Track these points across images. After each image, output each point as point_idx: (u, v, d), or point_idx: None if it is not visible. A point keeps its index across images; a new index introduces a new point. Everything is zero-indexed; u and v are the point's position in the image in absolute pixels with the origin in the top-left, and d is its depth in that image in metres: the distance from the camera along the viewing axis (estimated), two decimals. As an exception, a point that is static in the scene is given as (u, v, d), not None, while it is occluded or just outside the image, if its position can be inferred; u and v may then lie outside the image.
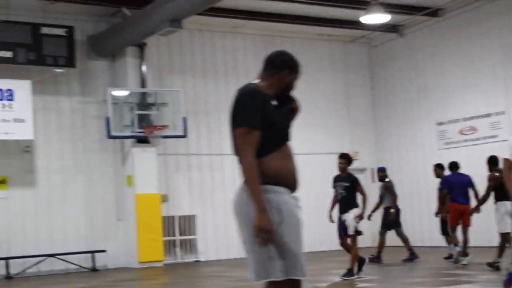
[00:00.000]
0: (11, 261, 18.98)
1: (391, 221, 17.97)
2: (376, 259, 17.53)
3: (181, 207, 21.48)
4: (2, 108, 18.55)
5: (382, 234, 17.93)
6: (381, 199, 18.23)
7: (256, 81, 5.54)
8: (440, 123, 22.31)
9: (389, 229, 18.04)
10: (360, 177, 23.36)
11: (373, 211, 18.05)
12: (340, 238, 14.26)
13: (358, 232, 13.93)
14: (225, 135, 21.11)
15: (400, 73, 23.72)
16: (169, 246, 21.12)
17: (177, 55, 21.78)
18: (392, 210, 17.90)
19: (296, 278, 5.20)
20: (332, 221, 14.42)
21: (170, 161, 21.41)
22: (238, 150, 5.29)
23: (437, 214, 17.25)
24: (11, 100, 18.72)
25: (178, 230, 21.35)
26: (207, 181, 21.79)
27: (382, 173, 18.57)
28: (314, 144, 22.89)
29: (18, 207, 19.52)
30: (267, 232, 5.09)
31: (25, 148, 19.56)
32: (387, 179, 18.13)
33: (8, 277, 18.71)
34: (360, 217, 14.04)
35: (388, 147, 24.20)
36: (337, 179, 14.48)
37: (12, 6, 18.89)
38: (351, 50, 24.55)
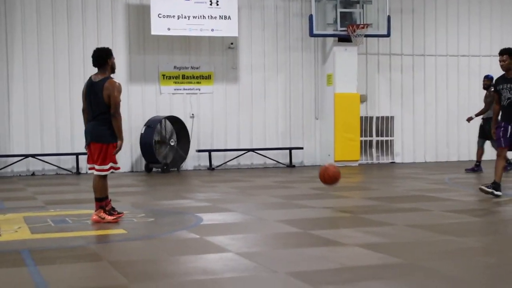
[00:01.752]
0: (213, 153, 20.30)
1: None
2: (477, 168, 17.72)
3: (380, 108, 22.00)
4: (209, 5, 19.78)
5: (481, 144, 17.82)
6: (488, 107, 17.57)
7: None
8: None
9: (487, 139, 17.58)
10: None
11: (477, 115, 17.87)
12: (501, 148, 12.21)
13: None
14: (428, 35, 21.77)
15: None
16: (366, 147, 21.81)
17: None
18: None
19: None
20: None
21: (372, 61, 21.86)
22: None
23: None
24: None
25: (376, 131, 21.94)
26: (408, 83, 22.14)
27: (488, 81, 17.70)
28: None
29: (221, 102, 20.67)
30: None
31: (230, 45, 20.54)
32: (492, 89, 17.74)
33: (210, 168, 20.00)
34: None
35: None
36: (500, 81, 12.41)
37: None
38: None
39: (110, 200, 9.61)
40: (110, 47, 16.76)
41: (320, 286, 5.59)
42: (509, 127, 11.61)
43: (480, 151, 17.84)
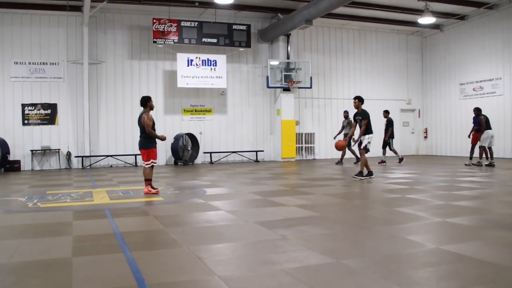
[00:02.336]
0: (213, 154, 20.27)
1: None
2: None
3: (306, 128, 21.87)
4: (210, 70, 19.74)
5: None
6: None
7: None
8: (462, 83, 22.28)
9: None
10: (410, 114, 24.29)
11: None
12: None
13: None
14: (332, 86, 21.72)
15: (438, 54, 23.31)
16: (299, 149, 21.65)
17: (308, 40, 21.96)
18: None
19: None
20: None
21: (301, 101, 21.81)
22: None
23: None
24: (215, 65, 19.77)
25: (304, 140, 21.81)
26: (322, 113, 22.03)
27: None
28: (383, 93, 23.21)
29: (217, 125, 20.51)
30: None
31: (222, 92, 20.50)
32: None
33: (211, 162, 19.99)
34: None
35: (429, 97, 24.48)
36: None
37: (218, 14, 19.72)
38: (411, 39, 24.09)
39: (151, 181, 9.61)
40: (154, 94, 16.72)
41: (273, 229, 5.63)
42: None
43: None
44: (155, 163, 9.65)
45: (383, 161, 17.23)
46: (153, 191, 9.48)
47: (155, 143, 9.67)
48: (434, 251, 4.62)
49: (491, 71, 20.63)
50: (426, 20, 19.45)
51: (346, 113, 18.07)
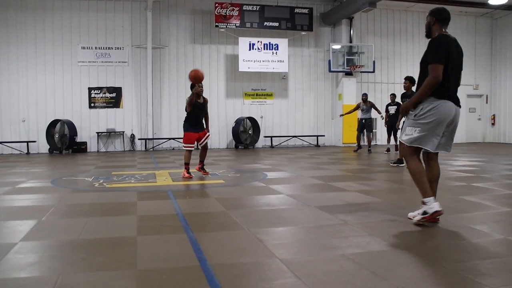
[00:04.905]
0: (273, 138, 20.56)
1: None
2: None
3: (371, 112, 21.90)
4: (271, 55, 19.90)
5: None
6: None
7: None
8: None
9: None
10: (477, 100, 23.44)
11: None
12: None
13: None
14: (396, 70, 21.36)
15: (510, 36, 22.62)
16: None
17: (371, 24, 21.79)
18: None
19: None
20: None
21: (364, 86, 21.70)
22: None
23: None
24: (277, 49, 20.02)
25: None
26: (384, 99, 21.05)
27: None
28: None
29: (278, 109, 20.78)
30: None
31: (283, 77, 20.80)
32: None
33: (271, 146, 20.31)
34: None
35: (498, 82, 23.69)
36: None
37: None
38: (479, 21, 23.40)
39: (188, 164, 9.41)
40: (216, 78, 16.68)
41: (334, 214, 5.58)
42: None
43: None
44: (191, 147, 9.42)
45: (388, 149, 16.16)
46: (187, 175, 9.24)
47: (192, 128, 9.36)
48: (502, 241, 4.46)
49: None
50: (498, 0, 18.62)
51: (365, 96, 16.43)
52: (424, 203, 4.94)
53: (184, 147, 9.44)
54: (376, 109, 16.22)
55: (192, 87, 9.25)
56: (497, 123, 23.35)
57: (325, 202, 6.47)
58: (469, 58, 23.22)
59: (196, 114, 9.35)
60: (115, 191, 7.70)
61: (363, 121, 16.35)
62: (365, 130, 16.55)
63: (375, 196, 6.97)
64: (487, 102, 23.65)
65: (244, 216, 5.55)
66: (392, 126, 15.55)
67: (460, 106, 4.92)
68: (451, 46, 4.82)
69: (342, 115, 17.75)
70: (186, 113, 9.40)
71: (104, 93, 18.95)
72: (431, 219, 4.91)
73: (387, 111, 16.03)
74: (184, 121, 9.44)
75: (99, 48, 18.86)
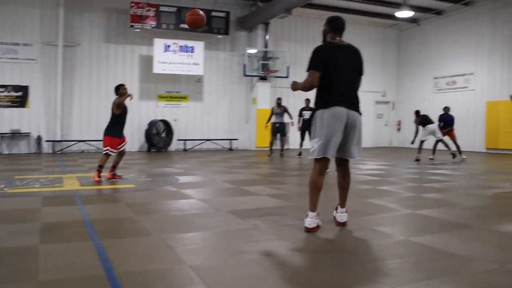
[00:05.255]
0: (187, 141, 20.22)
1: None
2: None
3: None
4: (187, 57, 19.70)
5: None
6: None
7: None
8: (435, 77, 22.71)
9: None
10: (384, 106, 24.51)
11: None
12: None
13: None
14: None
15: (414, 47, 23.70)
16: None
17: (286, 30, 22.07)
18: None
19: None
20: None
21: (278, 91, 21.64)
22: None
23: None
24: (192, 52, 19.76)
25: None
26: (298, 104, 21.76)
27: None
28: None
29: (192, 112, 20.50)
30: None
31: (198, 80, 20.53)
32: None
33: (185, 150, 19.99)
34: None
35: (404, 89, 24.82)
36: None
37: (198, 0, 20.04)
38: (387, 32, 24.43)
39: (102, 167, 9.22)
40: (130, 79, 16.28)
41: (245, 218, 5.60)
42: None
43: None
44: (114, 152, 9.31)
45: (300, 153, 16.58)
46: (97, 179, 9.06)
47: (118, 133, 9.32)
48: (404, 242, 4.67)
49: (464, 66, 21.00)
50: (404, 13, 19.57)
51: (279, 100, 16.62)
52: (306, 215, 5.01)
53: (108, 151, 9.20)
54: (289, 114, 16.47)
55: (116, 89, 9.24)
56: (402, 128, 24.53)
57: (236, 206, 6.49)
58: (378, 66, 24.25)
59: (123, 119, 9.32)
60: (17, 197, 7.31)
61: (277, 125, 16.53)
62: (278, 134, 16.62)
63: (286, 200, 7.08)
64: (393, 109, 24.79)
65: (154, 222, 5.45)
66: (305, 130, 15.85)
67: (356, 110, 4.88)
68: (334, 53, 4.83)
69: (266, 125, 17.22)
70: (111, 116, 9.27)
71: (9, 91, 17.95)
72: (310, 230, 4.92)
73: (301, 115, 16.44)
74: (109, 125, 9.27)
75: (5, 44, 17.85)
